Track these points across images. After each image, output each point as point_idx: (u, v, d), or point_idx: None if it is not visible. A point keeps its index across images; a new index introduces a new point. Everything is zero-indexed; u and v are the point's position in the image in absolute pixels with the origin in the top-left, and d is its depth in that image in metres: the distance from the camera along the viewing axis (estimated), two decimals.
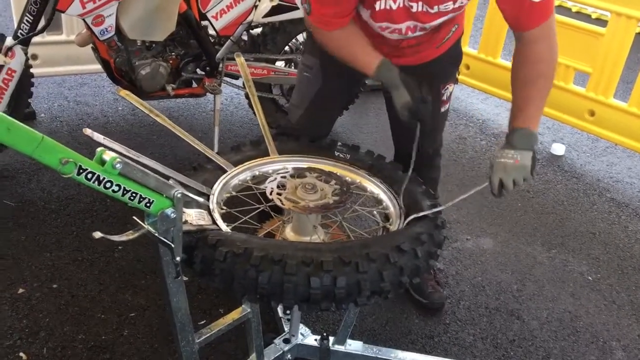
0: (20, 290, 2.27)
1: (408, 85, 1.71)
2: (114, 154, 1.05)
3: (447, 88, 2.09)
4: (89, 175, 1.02)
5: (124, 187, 1.08)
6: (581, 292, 2.58)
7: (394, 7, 1.69)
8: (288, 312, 2.07)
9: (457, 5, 1.69)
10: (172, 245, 1.22)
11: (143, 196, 1.12)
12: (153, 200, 1.15)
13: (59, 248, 2.51)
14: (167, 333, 2.14)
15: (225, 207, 1.59)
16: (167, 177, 1.45)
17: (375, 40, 1.82)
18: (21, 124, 0.95)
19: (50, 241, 2.55)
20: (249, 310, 1.78)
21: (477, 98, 4.40)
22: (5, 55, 2.65)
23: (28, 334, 2.09)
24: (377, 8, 1.70)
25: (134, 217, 1.20)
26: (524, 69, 1.69)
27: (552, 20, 1.66)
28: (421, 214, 1.58)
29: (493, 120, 4.13)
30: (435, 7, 1.68)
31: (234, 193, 1.69)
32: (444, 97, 2.10)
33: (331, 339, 2.01)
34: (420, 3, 1.67)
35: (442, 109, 2.13)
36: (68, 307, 2.22)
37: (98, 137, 1.35)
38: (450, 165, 3.47)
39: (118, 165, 1.05)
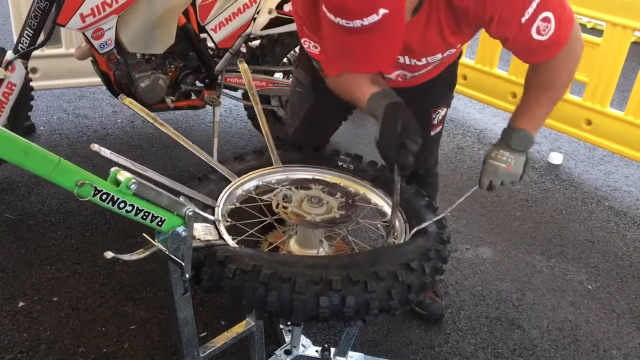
0: (21, 304, 2.27)
1: (390, 125, 1.53)
2: (128, 175, 1.05)
3: (439, 112, 2.05)
4: (104, 196, 1.02)
5: (137, 207, 1.09)
6: (581, 301, 2.59)
7: None
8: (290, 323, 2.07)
9: (445, 54, 1.66)
10: (183, 263, 1.22)
11: (155, 215, 1.12)
12: (165, 219, 1.15)
13: (59, 261, 2.51)
14: (168, 346, 2.14)
15: (230, 220, 1.59)
16: (173, 190, 1.46)
17: None
18: (37, 146, 0.95)
19: (50, 254, 2.54)
20: (253, 323, 1.78)
21: (475, 108, 4.43)
22: (6, 69, 2.65)
23: (29, 347, 2.09)
24: None
25: (145, 235, 1.20)
26: (543, 76, 1.65)
27: (573, 36, 1.57)
28: (423, 225, 1.58)
29: (490, 129, 4.15)
30: (423, 60, 1.66)
31: (238, 204, 1.69)
32: (435, 121, 2.06)
33: (332, 350, 2.01)
34: (406, 57, 1.66)
35: (433, 133, 2.09)
36: (68, 320, 2.22)
37: (105, 152, 1.35)
38: (449, 175, 3.48)
39: (133, 186, 1.05)
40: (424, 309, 2.39)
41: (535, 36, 1.49)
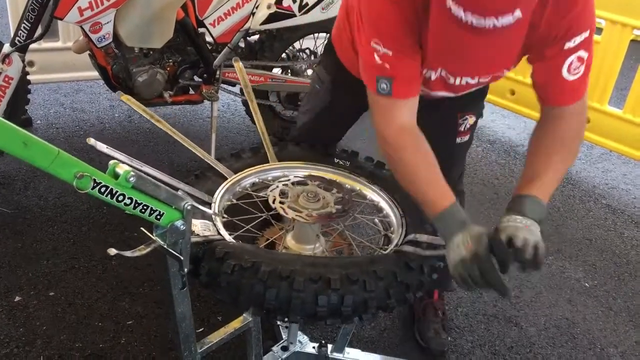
0: (17, 298, 2.26)
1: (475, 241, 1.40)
2: (127, 167, 1.04)
3: (466, 118, 1.93)
4: (102, 189, 1.02)
5: (136, 200, 1.08)
6: (578, 299, 2.59)
7: (433, 77, 1.60)
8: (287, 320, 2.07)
9: (496, 74, 1.60)
10: (181, 258, 1.21)
11: (154, 209, 1.12)
12: (163, 213, 1.14)
13: (55, 255, 2.50)
14: (164, 341, 2.13)
15: (226, 216, 1.59)
16: (171, 187, 1.45)
17: None
18: (37, 138, 0.95)
19: (46, 248, 2.53)
20: (250, 319, 1.78)
21: None
22: (3, 62, 2.64)
23: (25, 342, 2.08)
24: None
25: (142, 229, 1.19)
26: (549, 138, 1.53)
27: (585, 98, 1.54)
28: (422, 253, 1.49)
29: (488, 127, 4.15)
30: (476, 78, 1.59)
31: (234, 201, 1.69)
32: (462, 128, 1.93)
33: (329, 346, 2.01)
34: (459, 78, 1.58)
35: (459, 140, 1.96)
36: (65, 315, 2.21)
37: (101, 146, 1.35)
38: None
39: (132, 179, 1.05)
40: (426, 342, 2.26)
41: (565, 73, 1.46)
